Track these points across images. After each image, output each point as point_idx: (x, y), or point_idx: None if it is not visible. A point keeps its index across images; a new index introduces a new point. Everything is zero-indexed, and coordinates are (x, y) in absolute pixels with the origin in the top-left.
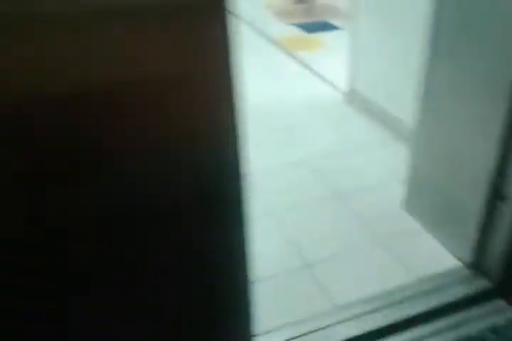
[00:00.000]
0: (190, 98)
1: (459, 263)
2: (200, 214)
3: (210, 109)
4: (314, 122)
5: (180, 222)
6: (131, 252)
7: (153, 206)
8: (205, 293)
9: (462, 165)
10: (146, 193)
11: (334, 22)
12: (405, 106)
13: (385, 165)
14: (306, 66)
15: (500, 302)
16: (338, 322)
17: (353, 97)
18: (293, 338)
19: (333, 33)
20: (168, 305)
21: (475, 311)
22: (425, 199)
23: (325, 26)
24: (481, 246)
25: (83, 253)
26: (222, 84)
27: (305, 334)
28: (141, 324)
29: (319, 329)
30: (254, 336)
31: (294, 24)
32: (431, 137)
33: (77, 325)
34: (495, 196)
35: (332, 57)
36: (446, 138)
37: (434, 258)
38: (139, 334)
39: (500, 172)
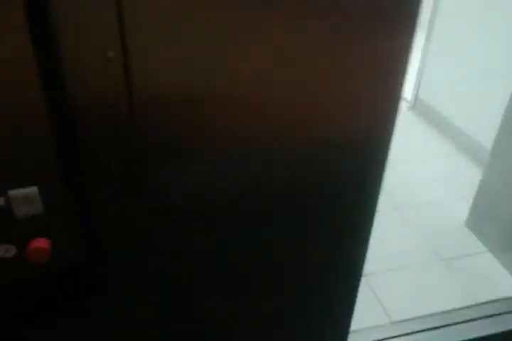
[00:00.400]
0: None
1: None
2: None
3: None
4: None
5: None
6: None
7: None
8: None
9: None
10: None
11: None
12: (471, 120)
13: (445, 178)
14: None
15: None
16: (394, 337)
17: (417, 105)
18: None
19: None
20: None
21: None
22: (491, 220)
23: None
24: None
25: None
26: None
27: None
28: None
29: None
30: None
31: None
32: (507, 161)
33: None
34: None
35: None
36: None
37: (497, 281)
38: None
39: None
